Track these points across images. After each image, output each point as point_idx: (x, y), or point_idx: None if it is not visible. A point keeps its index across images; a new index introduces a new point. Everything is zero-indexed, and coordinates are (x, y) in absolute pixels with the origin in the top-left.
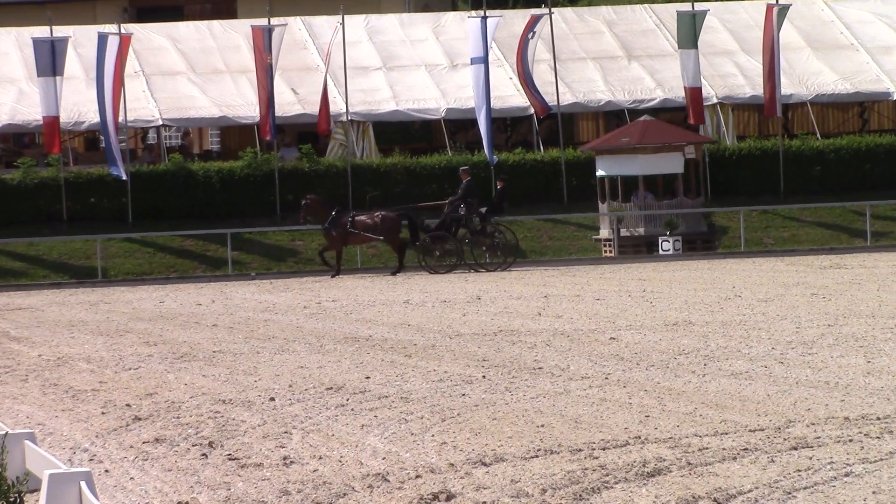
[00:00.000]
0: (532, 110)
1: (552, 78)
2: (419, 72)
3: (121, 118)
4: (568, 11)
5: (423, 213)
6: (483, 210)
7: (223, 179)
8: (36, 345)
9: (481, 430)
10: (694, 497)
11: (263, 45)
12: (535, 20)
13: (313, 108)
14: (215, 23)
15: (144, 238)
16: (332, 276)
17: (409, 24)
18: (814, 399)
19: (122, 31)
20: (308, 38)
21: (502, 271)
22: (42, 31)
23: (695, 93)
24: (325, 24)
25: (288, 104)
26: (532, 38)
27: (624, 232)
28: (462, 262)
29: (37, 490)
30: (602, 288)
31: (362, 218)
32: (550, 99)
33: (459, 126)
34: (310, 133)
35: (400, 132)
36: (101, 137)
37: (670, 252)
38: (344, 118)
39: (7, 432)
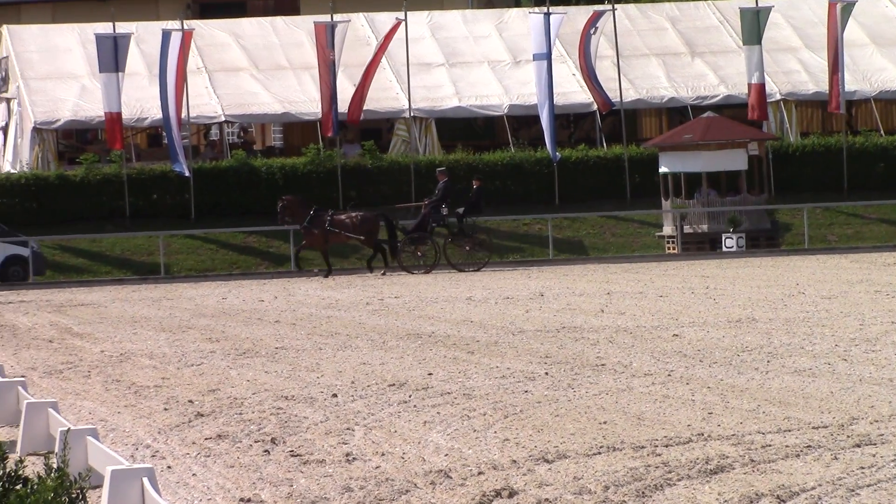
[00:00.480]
0: (595, 106)
1: (615, 74)
2: (482, 68)
3: (183, 114)
4: (631, 8)
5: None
6: (460, 210)
7: (286, 176)
8: (99, 341)
9: (544, 427)
10: (757, 494)
11: (326, 41)
12: (597, 16)
13: (376, 105)
14: (278, 19)
15: (207, 234)
16: (325, 276)
17: (472, 21)
18: (877, 396)
19: (185, 27)
20: (371, 35)
21: (476, 271)
22: (105, 28)
23: (758, 89)
24: (388, 20)
25: (351, 100)
26: (594, 33)
27: (687, 229)
28: (440, 262)
29: (99, 486)
30: (665, 285)
31: (341, 217)
32: (613, 95)
33: (522, 122)
34: (373, 129)
35: (463, 128)
36: (164, 134)
37: (734, 249)
38: (406, 114)
39: (70, 428)
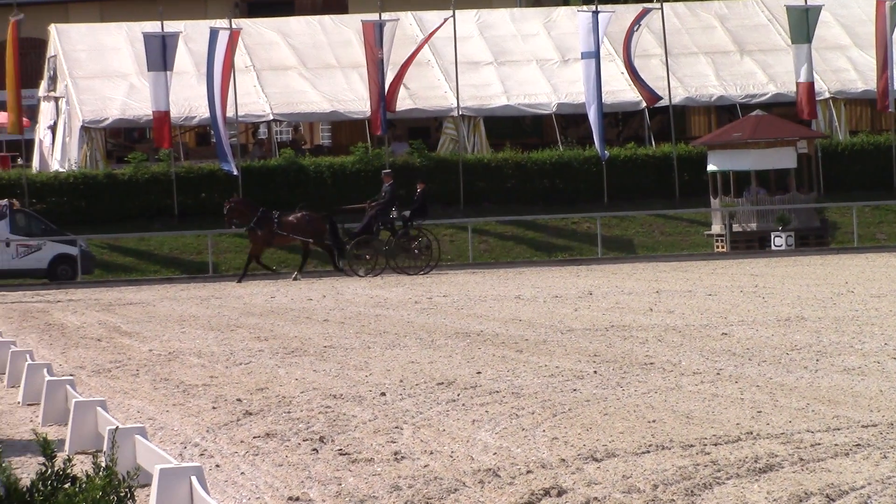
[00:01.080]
0: (643, 104)
1: (664, 73)
2: (530, 66)
3: (231, 113)
4: (680, 6)
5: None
6: (406, 213)
7: (334, 174)
8: (147, 340)
9: (592, 426)
10: (806, 493)
11: (374, 39)
12: (644, 13)
13: (424, 104)
14: (326, 18)
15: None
16: (239, 281)
17: (520, 19)
18: None
19: (233, 25)
20: (419, 33)
21: (425, 274)
22: (153, 27)
23: (807, 88)
24: (437, 19)
25: (399, 99)
26: (637, 29)
27: (736, 227)
28: (388, 265)
29: (148, 485)
30: (714, 283)
31: (288, 219)
32: (662, 93)
33: (571, 121)
34: (421, 128)
35: (511, 127)
36: (212, 132)
37: (783, 247)
38: (455, 113)
39: (118, 427)
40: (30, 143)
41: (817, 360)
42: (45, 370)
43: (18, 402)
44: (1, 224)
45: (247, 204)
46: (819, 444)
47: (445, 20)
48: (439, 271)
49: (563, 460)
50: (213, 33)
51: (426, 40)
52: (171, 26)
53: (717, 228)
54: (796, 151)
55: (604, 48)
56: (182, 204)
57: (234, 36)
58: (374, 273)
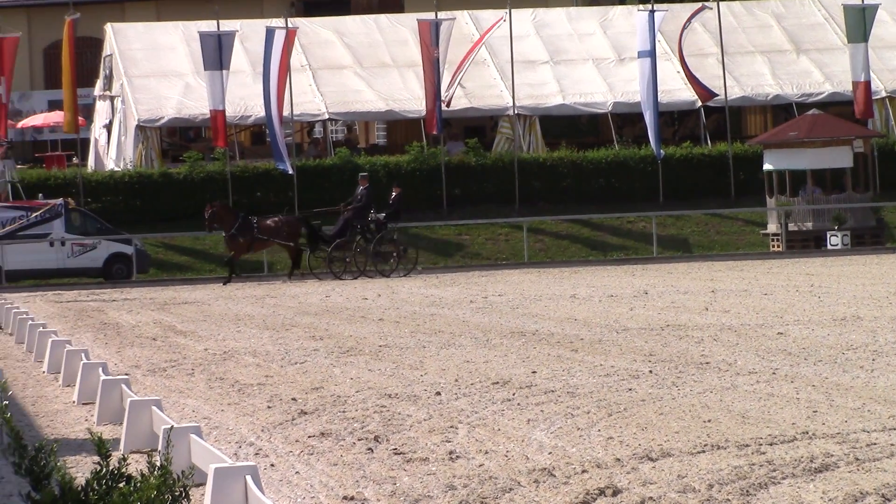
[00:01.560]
0: (699, 103)
1: (720, 71)
2: (586, 66)
3: (287, 112)
4: (736, 5)
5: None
6: (381, 216)
7: (390, 173)
8: (202, 339)
9: (648, 425)
10: (862, 493)
11: (430, 38)
12: (700, 10)
13: (480, 102)
14: (382, 17)
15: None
16: (225, 283)
17: (576, 18)
18: None
19: (289, 25)
20: (475, 32)
21: (405, 277)
22: (209, 26)
23: (864, 87)
24: (493, 17)
25: (455, 98)
26: (688, 27)
27: (792, 226)
28: (368, 268)
29: (202, 484)
30: (770, 283)
31: (268, 223)
32: (718, 92)
33: (626, 120)
34: (477, 127)
35: (567, 126)
36: (267, 131)
37: (838, 247)
38: (511, 112)
39: (173, 426)
40: (85, 143)
41: (873, 360)
42: (100, 369)
43: (73, 402)
44: (56, 223)
45: (228, 210)
46: (875, 443)
47: (500, 20)
48: (495, 270)
49: (619, 460)
50: (270, 33)
51: (481, 39)
52: (227, 25)
53: (772, 228)
54: (852, 150)
55: (659, 47)
56: (237, 203)
57: (290, 35)
58: (353, 276)
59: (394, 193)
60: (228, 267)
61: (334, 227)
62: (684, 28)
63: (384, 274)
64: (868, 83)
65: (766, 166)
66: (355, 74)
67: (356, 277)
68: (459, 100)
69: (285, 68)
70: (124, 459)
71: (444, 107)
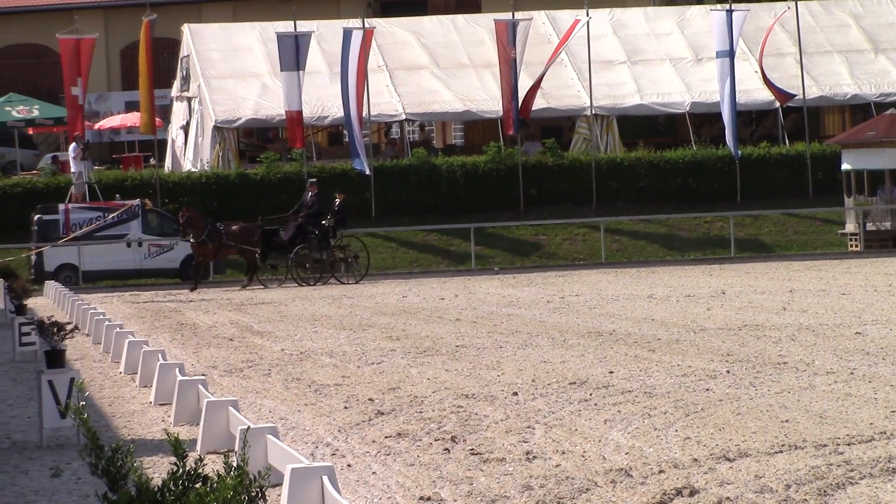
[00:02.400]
0: (777, 103)
1: (798, 71)
2: (664, 65)
3: (364, 113)
4: (814, 4)
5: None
6: (331, 223)
7: (467, 174)
8: (279, 339)
9: (725, 425)
10: None
11: (507, 39)
12: (783, 14)
13: (557, 103)
14: (459, 17)
15: (388, 233)
16: (192, 290)
17: (653, 18)
18: None
19: (366, 25)
20: (552, 32)
21: (358, 283)
22: (286, 26)
23: None
24: (570, 18)
25: (527, 92)
26: (770, 31)
27: (870, 226)
28: (324, 274)
29: (279, 485)
30: (848, 282)
31: (234, 229)
32: (796, 92)
33: (704, 120)
34: (554, 127)
35: (644, 126)
36: (345, 132)
37: None
38: (588, 112)
39: (249, 426)
40: (162, 144)
41: None
42: (176, 370)
43: (150, 402)
44: (133, 224)
45: (201, 216)
46: None
47: (577, 21)
48: (572, 270)
49: (696, 460)
50: (347, 33)
51: (561, 44)
52: (304, 26)
53: (850, 227)
54: None
55: (738, 47)
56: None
57: (368, 36)
58: (317, 282)
59: (337, 200)
60: (195, 273)
61: (285, 234)
62: (767, 36)
63: (339, 280)
64: None
65: (844, 166)
66: (432, 75)
67: (316, 284)
68: (536, 100)
69: (363, 69)
70: (201, 460)
71: (525, 117)
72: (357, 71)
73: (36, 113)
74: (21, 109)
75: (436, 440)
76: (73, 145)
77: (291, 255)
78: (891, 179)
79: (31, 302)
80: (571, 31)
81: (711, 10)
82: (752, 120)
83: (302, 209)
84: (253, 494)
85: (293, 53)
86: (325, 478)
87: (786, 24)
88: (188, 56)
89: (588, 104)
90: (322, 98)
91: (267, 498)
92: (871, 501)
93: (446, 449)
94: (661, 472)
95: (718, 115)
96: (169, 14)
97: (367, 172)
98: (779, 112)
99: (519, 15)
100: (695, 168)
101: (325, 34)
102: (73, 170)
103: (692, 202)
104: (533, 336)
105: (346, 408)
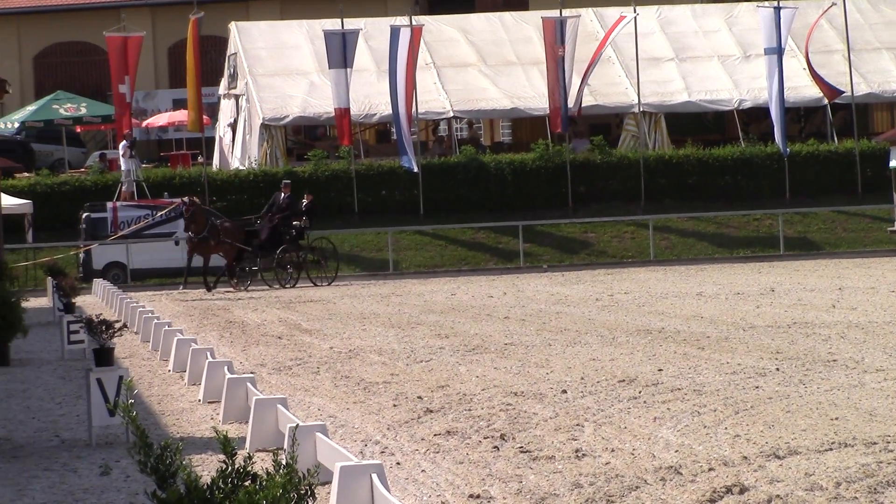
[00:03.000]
0: (826, 100)
1: (846, 68)
2: (712, 62)
3: (412, 110)
4: (862, 1)
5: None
6: (306, 224)
7: (515, 171)
8: (328, 337)
9: (775, 423)
10: None
11: (555, 36)
12: (828, 8)
13: (605, 100)
14: (507, 14)
15: (436, 230)
16: (182, 287)
17: (701, 15)
18: None
19: (414, 23)
20: (600, 30)
21: (329, 285)
22: (333, 24)
23: None
24: (617, 15)
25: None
26: (816, 26)
27: None
28: (299, 275)
29: (328, 483)
30: None
31: (227, 226)
32: (844, 89)
33: (752, 117)
34: (602, 124)
35: (692, 123)
36: (393, 129)
37: None
38: (636, 109)
39: (298, 424)
40: (210, 141)
41: None
42: (225, 368)
43: (199, 400)
44: (181, 222)
45: (203, 212)
46: None
47: (622, 18)
48: (621, 267)
49: (745, 458)
50: (394, 31)
51: (605, 40)
52: (351, 23)
53: None
54: None
55: (785, 44)
56: (362, 201)
57: (416, 33)
58: (294, 283)
59: (305, 201)
60: (202, 274)
61: (261, 235)
62: (812, 31)
63: (313, 282)
64: None
65: (893, 163)
66: (480, 72)
67: (294, 285)
68: (585, 97)
69: (412, 66)
70: (250, 458)
71: (574, 115)
72: (406, 69)
73: (83, 111)
74: (69, 107)
75: (485, 438)
76: (122, 143)
77: (277, 255)
78: None
79: (79, 300)
80: (615, 27)
81: (759, 6)
82: (800, 117)
83: (274, 210)
84: (302, 492)
85: (340, 51)
86: (374, 476)
87: (833, 21)
88: (235, 54)
89: (636, 101)
90: (369, 95)
91: (316, 496)
92: None
93: (495, 447)
94: (710, 469)
95: (767, 112)
96: (216, 12)
97: (415, 170)
98: (827, 109)
99: (566, 12)
100: (743, 165)
101: (372, 31)
102: (122, 168)
103: (741, 199)
104: (582, 334)
105: (395, 405)
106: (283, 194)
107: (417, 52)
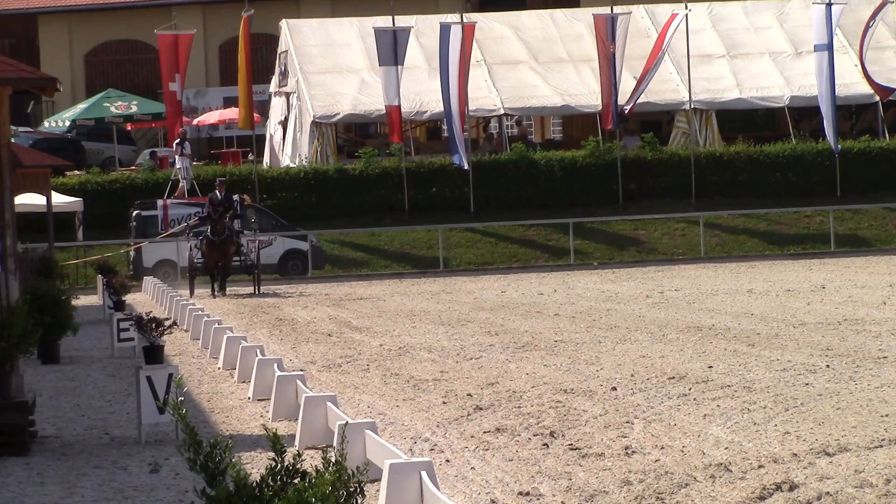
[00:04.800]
0: (877, 97)
1: None
2: (763, 59)
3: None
4: None
5: None
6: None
7: (565, 168)
8: (377, 334)
9: (825, 420)
10: None
11: (606, 33)
12: (882, 6)
13: (656, 97)
14: (558, 12)
15: (486, 228)
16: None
17: (752, 12)
18: None
19: (465, 20)
20: (651, 27)
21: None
22: (384, 21)
23: None
24: (669, 12)
25: (631, 93)
26: (873, 24)
27: None
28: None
29: (377, 480)
30: None
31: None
32: None
33: (803, 114)
34: (652, 121)
35: (743, 120)
36: (444, 127)
37: None
38: (687, 107)
39: (348, 422)
40: (261, 139)
41: None
42: (275, 365)
43: (249, 398)
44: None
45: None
46: None
47: (675, 15)
48: (671, 265)
49: (795, 455)
50: (444, 29)
51: (660, 43)
52: (402, 21)
53: None
54: None
55: (837, 40)
56: (413, 199)
57: (468, 31)
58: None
59: (239, 200)
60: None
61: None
62: (868, 26)
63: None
64: None
65: None
66: (531, 69)
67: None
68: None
69: (465, 63)
70: (299, 455)
71: (625, 114)
72: (458, 66)
73: (134, 109)
74: (119, 105)
75: (534, 435)
76: (176, 141)
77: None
78: None
79: (129, 298)
80: (668, 27)
81: (811, 3)
82: (851, 114)
83: (213, 208)
84: (351, 490)
85: (391, 48)
86: (423, 473)
87: (885, 19)
88: (286, 51)
89: (687, 98)
90: (420, 93)
91: (365, 493)
92: None
93: (545, 444)
94: (760, 466)
95: (818, 109)
96: (267, 9)
97: (466, 167)
98: (879, 106)
99: (618, 9)
100: (794, 162)
101: (423, 29)
102: (176, 165)
103: (791, 196)
104: (632, 331)
105: (444, 403)
106: (219, 193)
107: (470, 50)
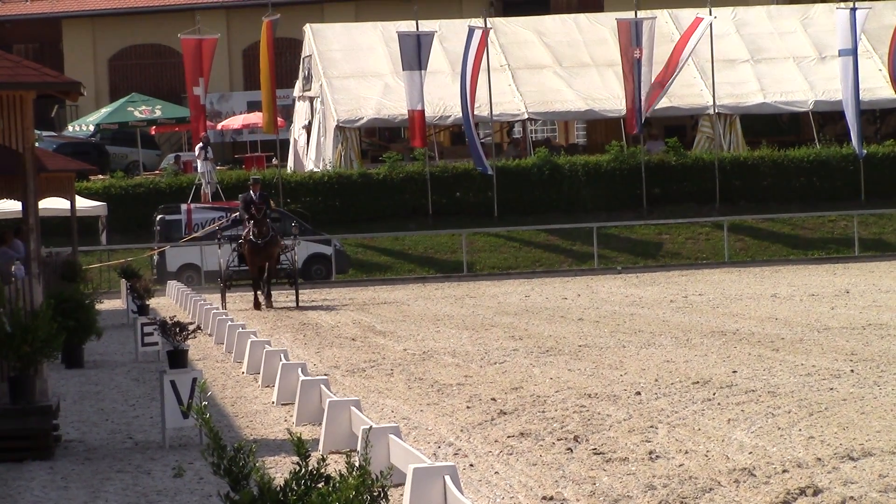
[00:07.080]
0: None
1: None
2: (787, 64)
3: (486, 112)
4: None
5: None
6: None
7: (589, 173)
8: (401, 339)
9: (849, 425)
10: None
11: (630, 38)
12: None
13: (680, 101)
14: (581, 16)
15: (510, 232)
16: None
17: (776, 16)
18: None
19: (488, 24)
20: (675, 31)
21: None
22: (408, 26)
23: None
24: (693, 16)
25: (647, 97)
26: None
27: None
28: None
29: (401, 484)
30: None
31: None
32: None
33: (828, 118)
34: (677, 126)
35: (767, 125)
36: (465, 131)
37: None
38: (711, 111)
39: (372, 426)
40: (284, 143)
41: None
42: (299, 370)
43: (273, 402)
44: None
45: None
46: None
47: (699, 20)
48: (695, 269)
49: (819, 459)
50: (471, 32)
51: (682, 48)
52: (426, 25)
53: None
54: None
55: (861, 45)
56: (437, 203)
57: (482, 36)
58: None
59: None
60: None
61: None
62: (895, 35)
63: None
64: None
65: None
66: (555, 74)
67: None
68: (660, 100)
69: (478, 68)
70: (323, 460)
71: (644, 112)
72: (473, 70)
73: (158, 113)
74: (143, 109)
75: (558, 440)
76: (198, 145)
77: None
78: None
79: (153, 302)
80: (692, 31)
81: (835, 8)
82: (876, 118)
83: (255, 208)
84: (375, 494)
85: (415, 53)
86: (447, 477)
87: None
88: (310, 56)
89: (711, 103)
90: (444, 97)
91: (389, 498)
92: None
93: (569, 448)
94: (784, 471)
95: (842, 114)
96: (291, 14)
97: (490, 172)
98: None
99: (642, 14)
100: (819, 167)
101: (446, 33)
102: (199, 170)
103: (816, 201)
104: (656, 335)
105: (468, 407)
106: (253, 193)
107: (482, 55)
